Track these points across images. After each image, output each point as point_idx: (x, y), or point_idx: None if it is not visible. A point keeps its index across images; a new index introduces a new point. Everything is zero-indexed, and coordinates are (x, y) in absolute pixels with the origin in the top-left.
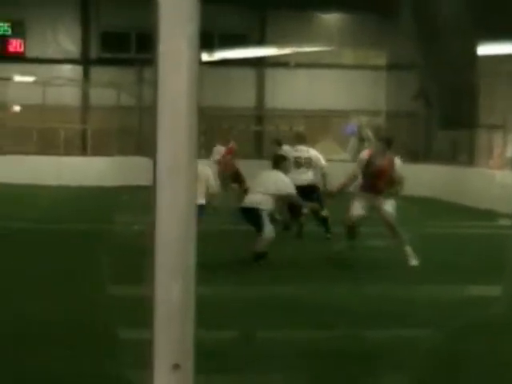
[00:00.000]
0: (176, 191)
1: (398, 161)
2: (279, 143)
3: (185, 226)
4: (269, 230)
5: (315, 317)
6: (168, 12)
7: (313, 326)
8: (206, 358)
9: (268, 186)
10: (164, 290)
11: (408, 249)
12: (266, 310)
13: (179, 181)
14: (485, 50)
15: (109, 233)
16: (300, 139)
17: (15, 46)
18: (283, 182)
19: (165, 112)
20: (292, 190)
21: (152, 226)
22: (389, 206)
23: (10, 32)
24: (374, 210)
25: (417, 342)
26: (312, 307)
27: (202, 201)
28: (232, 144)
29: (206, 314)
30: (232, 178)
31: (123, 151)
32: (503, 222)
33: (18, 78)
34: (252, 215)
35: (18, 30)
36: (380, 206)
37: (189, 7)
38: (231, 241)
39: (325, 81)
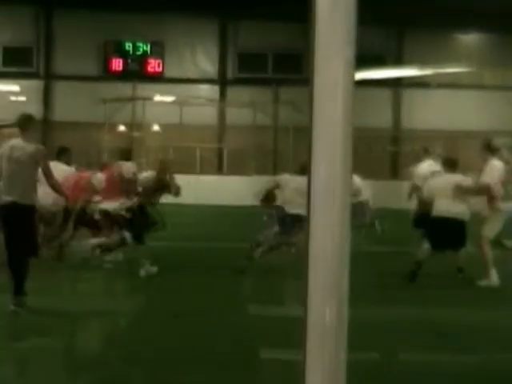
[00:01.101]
0: (330, 214)
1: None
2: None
3: (338, 247)
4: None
5: (460, 340)
6: (325, 36)
7: (458, 350)
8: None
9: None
10: (317, 312)
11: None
12: (413, 331)
13: (333, 203)
14: None
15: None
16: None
17: (154, 65)
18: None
19: (320, 135)
20: None
21: (305, 247)
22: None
23: (149, 52)
24: None
25: None
26: (457, 330)
27: None
28: None
29: (354, 335)
30: None
31: (260, 170)
32: None
33: (156, 98)
34: (451, 228)
35: (157, 49)
36: None
37: (346, 31)
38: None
39: (463, 101)
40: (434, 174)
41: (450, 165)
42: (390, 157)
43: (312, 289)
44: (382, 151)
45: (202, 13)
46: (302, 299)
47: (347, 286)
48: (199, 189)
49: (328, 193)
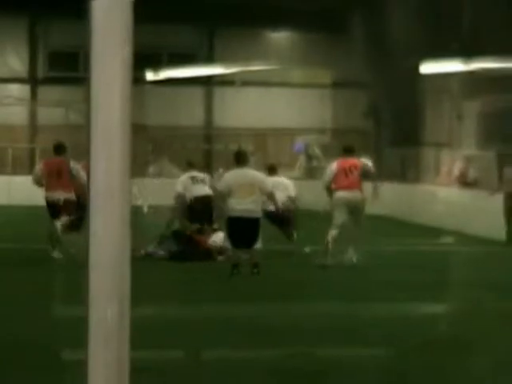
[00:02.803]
0: (110, 213)
1: None
2: (191, 164)
3: (119, 248)
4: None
5: (265, 336)
6: (101, 34)
7: (264, 345)
8: (154, 377)
9: (260, 187)
10: (99, 312)
11: None
12: (217, 329)
13: (113, 203)
14: (431, 68)
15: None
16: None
17: None
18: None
19: (98, 134)
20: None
21: (86, 248)
22: None
23: None
24: None
25: (367, 361)
26: (260, 326)
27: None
28: None
29: (151, 334)
30: None
31: None
32: (448, 239)
33: None
34: (248, 225)
35: None
36: None
37: (122, 30)
38: None
39: (273, 99)
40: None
41: (241, 160)
42: (203, 155)
43: (93, 288)
44: (196, 149)
45: (11, 11)
46: (84, 299)
47: (128, 286)
48: (12, 189)
49: (107, 192)
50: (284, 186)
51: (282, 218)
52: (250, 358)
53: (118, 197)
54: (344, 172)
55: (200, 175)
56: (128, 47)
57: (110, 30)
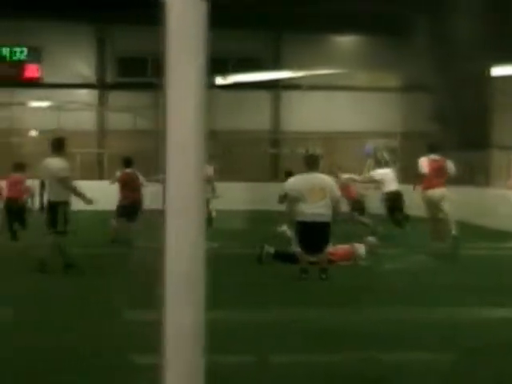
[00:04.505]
0: (185, 219)
1: None
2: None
3: (195, 251)
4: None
5: (329, 340)
6: (177, 41)
7: (327, 350)
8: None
9: (329, 192)
10: (175, 315)
11: None
12: (281, 333)
13: (188, 208)
14: (501, 70)
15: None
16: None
17: (32, 71)
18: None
19: (173, 138)
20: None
21: (162, 251)
22: None
23: (26, 57)
24: None
25: (434, 365)
26: (325, 331)
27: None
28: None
29: (220, 338)
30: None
31: (142, 175)
32: None
33: (34, 104)
34: (318, 229)
35: (35, 55)
36: None
37: (198, 37)
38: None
39: (340, 103)
40: None
41: (312, 164)
42: (270, 159)
43: (169, 295)
44: (263, 153)
45: (79, 17)
46: (160, 303)
47: (203, 292)
48: None
49: (183, 195)
50: None
51: None
52: (315, 363)
53: (193, 202)
54: (434, 172)
55: None
56: (202, 54)
57: (185, 37)
